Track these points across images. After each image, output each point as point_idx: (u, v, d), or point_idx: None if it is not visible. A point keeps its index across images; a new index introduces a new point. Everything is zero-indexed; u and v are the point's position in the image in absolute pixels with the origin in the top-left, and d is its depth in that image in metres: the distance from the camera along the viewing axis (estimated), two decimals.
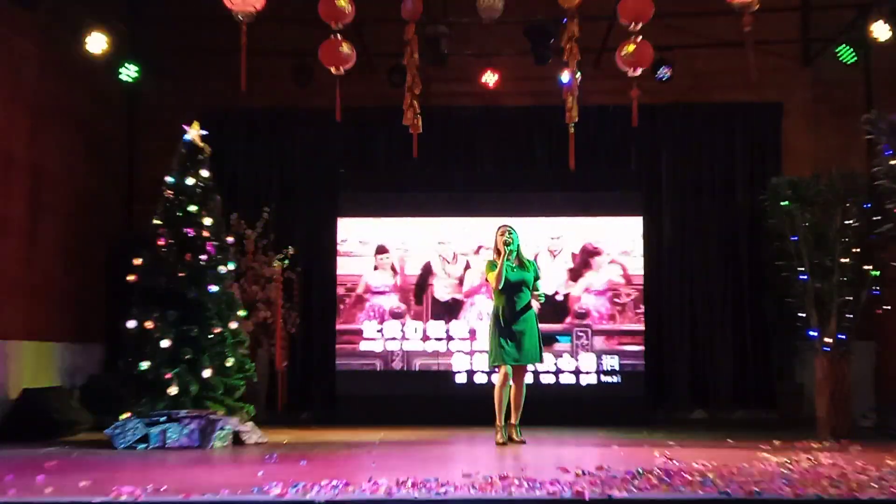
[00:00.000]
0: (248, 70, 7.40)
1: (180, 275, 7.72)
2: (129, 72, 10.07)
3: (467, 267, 10.15)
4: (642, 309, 10.09)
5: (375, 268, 10.16)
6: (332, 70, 7.72)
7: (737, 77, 9.97)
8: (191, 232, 7.86)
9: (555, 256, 10.13)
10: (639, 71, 7.79)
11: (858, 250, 8.56)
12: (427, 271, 10.16)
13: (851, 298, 8.49)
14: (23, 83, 8.84)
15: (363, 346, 10.09)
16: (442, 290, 10.15)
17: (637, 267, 10.11)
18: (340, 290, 10.17)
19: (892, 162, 7.90)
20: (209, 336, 7.72)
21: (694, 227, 10.78)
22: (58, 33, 9.32)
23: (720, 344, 10.58)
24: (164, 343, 7.48)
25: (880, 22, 8.96)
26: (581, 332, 10.05)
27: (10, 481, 4.97)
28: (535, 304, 7.53)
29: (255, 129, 11.02)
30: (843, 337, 8.49)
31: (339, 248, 10.23)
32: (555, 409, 9.33)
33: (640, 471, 5.15)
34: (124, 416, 7.33)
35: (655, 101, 10.28)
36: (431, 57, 9.45)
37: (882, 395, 9.73)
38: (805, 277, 8.54)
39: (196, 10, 9.89)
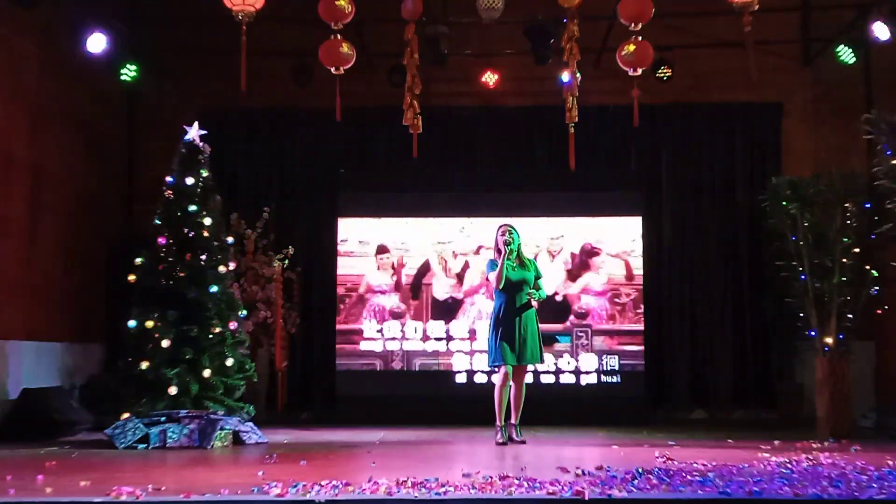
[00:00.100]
0: (248, 70, 7.40)
1: (180, 275, 7.72)
2: (129, 72, 10.06)
3: (466, 266, 10.15)
4: (642, 309, 10.09)
5: (378, 268, 10.16)
6: (332, 70, 7.72)
7: (737, 77, 9.97)
8: (191, 232, 7.86)
9: (554, 257, 10.13)
10: (639, 71, 7.80)
11: (858, 250, 8.56)
12: (425, 270, 10.16)
13: (851, 298, 8.49)
14: (23, 83, 8.83)
15: (363, 346, 10.09)
16: (440, 289, 10.15)
17: (637, 267, 10.12)
18: (340, 290, 10.17)
19: (893, 162, 7.90)
20: (209, 336, 7.72)
21: (694, 227, 10.78)
22: (58, 33, 9.32)
23: (720, 344, 10.58)
24: (164, 343, 7.49)
25: (880, 22, 8.95)
26: (581, 332, 10.05)
27: (10, 481, 4.97)
28: (533, 302, 7.52)
29: (255, 129, 11.02)
30: (843, 337, 8.49)
31: (339, 248, 10.23)
32: (555, 409, 9.33)
33: (640, 471, 5.15)
34: (124, 416, 7.33)
35: (655, 101, 10.27)
36: (431, 57, 9.46)
37: (882, 395, 9.74)
38: (805, 277, 8.54)
39: (196, 10, 9.90)
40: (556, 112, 8.50)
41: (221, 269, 7.93)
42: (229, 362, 7.82)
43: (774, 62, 10.48)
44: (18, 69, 8.75)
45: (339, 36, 7.58)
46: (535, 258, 8.95)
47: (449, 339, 10.06)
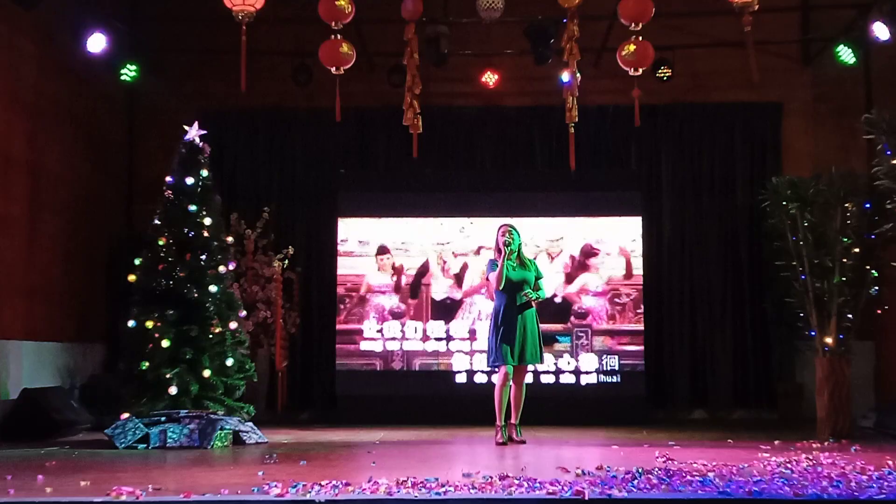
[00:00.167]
0: (248, 70, 7.40)
1: (180, 275, 7.72)
2: (129, 72, 10.06)
3: (465, 267, 10.15)
4: (642, 309, 10.09)
5: (378, 269, 10.17)
6: (332, 70, 7.72)
7: (737, 77, 9.98)
8: (191, 232, 7.86)
9: (553, 259, 10.13)
10: (640, 71, 7.80)
11: (858, 250, 8.56)
12: (424, 270, 10.16)
13: (851, 298, 8.49)
14: (23, 83, 8.83)
15: (363, 346, 10.09)
16: (438, 289, 10.15)
17: (637, 266, 10.12)
18: (340, 290, 10.17)
19: (893, 162, 7.89)
20: (209, 336, 7.72)
21: (694, 227, 10.78)
22: (58, 33, 9.32)
23: (720, 344, 10.58)
24: (164, 343, 7.48)
25: (880, 22, 8.95)
26: (581, 332, 10.05)
27: (10, 481, 4.97)
28: (533, 302, 7.51)
29: (255, 129, 11.02)
30: (843, 337, 8.49)
31: (339, 248, 10.23)
32: (555, 409, 9.33)
33: (640, 471, 5.15)
34: (124, 416, 7.33)
35: (655, 101, 10.27)
36: (431, 57, 9.46)
37: (882, 395, 9.74)
38: (805, 277, 8.54)
39: (196, 10, 9.91)
40: (556, 112, 8.51)
41: (221, 269, 7.93)
42: (229, 362, 7.82)
43: (774, 62, 10.48)
44: (18, 69, 8.76)
45: (339, 36, 7.58)
46: (535, 258, 8.95)
47: (449, 339, 10.06)
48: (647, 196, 10.54)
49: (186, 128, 8.18)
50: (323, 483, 4.67)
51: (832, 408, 8.31)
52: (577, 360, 9.98)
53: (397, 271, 10.17)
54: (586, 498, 4.29)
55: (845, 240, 8.53)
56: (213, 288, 7.78)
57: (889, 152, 7.92)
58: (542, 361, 7.73)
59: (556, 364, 9.93)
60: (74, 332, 9.63)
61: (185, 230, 7.87)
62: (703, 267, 10.70)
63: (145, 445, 7.15)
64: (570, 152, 8.15)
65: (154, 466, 6.05)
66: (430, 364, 10.06)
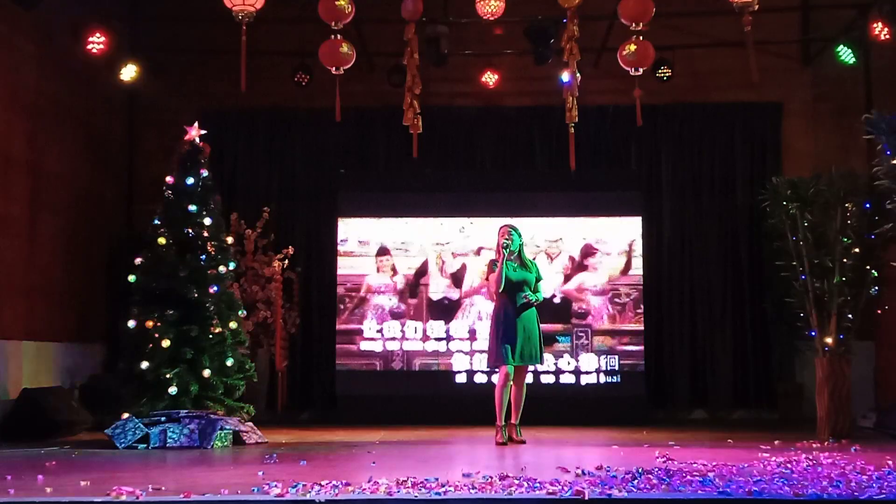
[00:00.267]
0: (249, 70, 7.40)
1: (180, 275, 7.72)
2: (129, 72, 10.06)
3: (464, 267, 10.14)
4: (642, 309, 10.09)
5: (378, 270, 10.17)
6: (332, 70, 7.72)
7: (737, 77, 9.97)
8: (191, 232, 7.86)
9: (553, 259, 10.12)
10: (640, 70, 7.79)
11: (858, 250, 8.55)
12: (423, 270, 10.15)
13: (851, 298, 8.49)
14: (23, 83, 8.83)
15: (363, 346, 10.10)
16: (436, 289, 10.15)
17: (637, 267, 10.12)
18: (340, 290, 10.17)
19: (893, 162, 7.89)
20: (209, 336, 7.72)
21: (694, 226, 10.78)
22: (58, 33, 9.32)
23: (720, 344, 10.58)
24: (164, 343, 7.48)
25: (880, 22, 8.95)
26: (581, 332, 10.05)
27: (10, 481, 4.97)
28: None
29: (255, 129, 11.02)
30: (843, 337, 8.49)
31: (339, 248, 10.23)
32: (555, 409, 9.33)
33: (640, 471, 5.15)
34: (124, 416, 7.32)
35: (655, 101, 10.27)
36: (431, 57, 9.46)
37: (882, 395, 9.73)
38: (805, 277, 8.54)
39: (196, 10, 9.90)
40: (556, 112, 8.50)
41: (221, 269, 7.93)
42: (229, 362, 7.82)
43: (774, 62, 10.48)
44: (18, 69, 8.75)
45: (339, 36, 7.58)
46: (534, 258, 8.95)
47: (449, 339, 10.06)
48: (647, 196, 10.54)
49: (186, 128, 8.18)
50: (323, 483, 4.67)
51: (832, 408, 8.30)
52: (577, 360, 9.99)
53: (397, 272, 10.16)
54: (586, 498, 4.28)
55: (845, 240, 8.52)
56: (213, 288, 7.78)
57: (889, 152, 7.91)
58: (542, 362, 7.73)
59: (556, 364, 9.93)
60: (74, 332, 9.63)
61: (185, 230, 7.87)
62: (703, 267, 10.70)
63: (145, 445, 7.14)
64: (570, 152, 8.15)
65: (154, 466, 6.05)
66: (430, 364, 10.06)
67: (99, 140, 10.36)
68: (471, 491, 4.54)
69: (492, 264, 7.62)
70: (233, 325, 7.94)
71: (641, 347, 10.03)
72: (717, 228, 10.73)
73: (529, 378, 7.98)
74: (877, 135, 8.06)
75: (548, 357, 9.48)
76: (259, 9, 7.22)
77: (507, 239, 7.45)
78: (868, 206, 8.55)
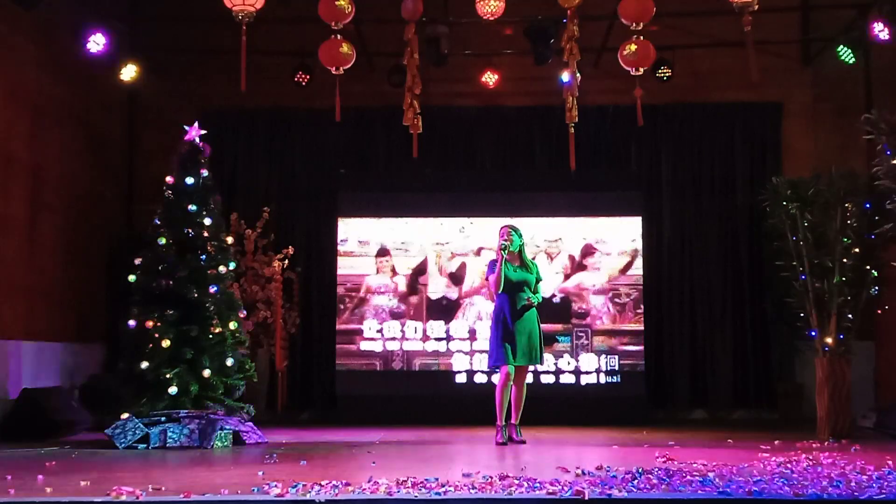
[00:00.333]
0: (248, 70, 7.40)
1: (180, 275, 7.71)
2: (129, 72, 10.06)
3: (462, 267, 10.14)
4: (642, 309, 10.09)
5: (377, 271, 10.17)
6: (332, 70, 7.72)
7: (737, 77, 9.97)
8: (191, 232, 7.86)
9: (553, 259, 10.12)
10: (641, 70, 7.80)
11: (858, 250, 8.56)
12: (421, 269, 10.15)
13: (851, 298, 8.49)
14: (23, 83, 8.84)
15: (363, 346, 10.10)
16: (434, 289, 10.15)
17: (637, 267, 10.12)
18: (340, 290, 10.18)
19: (893, 162, 7.89)
20: (209, 336, 7.71)
21: (694, 226, 10.78)
22: (58, 33, 9.32)
23: (720, 344, 10.59)
24: (164, 343, 7.48)
25: (880, 22, 8.95)
26: (581, 332, 10.05)
27: (10, 481, 4.97)
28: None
29: (255, 129, 11.02)
30: (843, 337, 8.49)
31: (339, 248, 10.23)
32: (555, 409, 9.33)
33: (640, 471, 5.15)
34: (124, 416, 7.32)
35: (655, 101, 10.27)
36: (431, 57, 9.46)
37: (882, 395, 9.73)
38: (805, 277, 8.54)
39: (196, 10, 9.90)
40: (556, 112, 8.48)
41: (221, 269, 7.92)
42: (229, 362, 7.81)
43: (774, 62, 10.48)
44: (18, 69, 8.75)
45: (339, 36, 7.58)
46: (534, 258, 8.95)
47: (449, 339, 10.06)
48: (647, 196, 10.54)
49: (186, 128, 8.18)
50: (323, 483, 4.67)
51: (832, 408, 8.31)
52: (577, 360, 9.99)
53: (397, 273, 10.16)
54: (586, 498, 4.28)
55: (845, 240, 8.53)
56: (213, 288, 7.78)
57: (889, 152, 7.92)
58: (542, 362, 7.73)
59: (556, 364, 9.93)
60: (74, 332, 9.63)
61: (185, 230, 7.86)
62: (703, 267, 10.70)
63: (145, 445, 7.14)
64: (571, 152, 8.14)
65: (154, 466, 6.05)
66: (430, 364, 10.06)
67: (99, 140, 10.36)
68: (471, 491, 4.54)
69: (491, 265, 7.61)
70: (233, 325, 7.94)
71: (641, 347, 10.03)
72: (717, 228, 10.74)
73: (529, 378, 7.97)
74: (877, 135, 8.07)
75: (548, 357, 9.49)
76: (259, 9, 7.21)
77: (505, 240, 7.46)
78: (868, 206, 8.55)
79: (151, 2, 10.69)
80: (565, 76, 7.95)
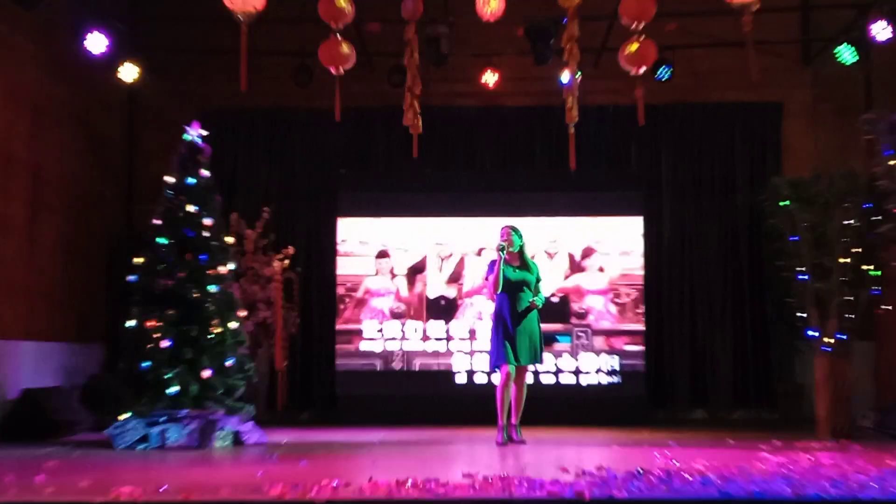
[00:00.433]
0: (248, 70, 7.39)
1: (180, 275, 7.72)
2: (129, 72, 10.06)
3: (462, 267, 10.13)
4: (642, 309, 10.09)
5: (377, 272, 10.16)
6: (332, 70, 7.71)
7: (737, 77, 9.96)
8: (191, 232, 7.86)
9: (552, 259, 10.12)
10: (642, 70, 7.80)
11: (858, 250, 8.56)
12: (420, 268, 10.15)
13: (851, 298, 8.49)
14: (23, 83, 8.84)
15: (363, 346, 10.09)
16: (433, 288, 10.14)
17: (637, 267, 10.12)
18: (340, 290, 10.17)
19: (892, 162, 7.89)
20: (209, 336, 7.71)
21: (694, 226, 10.78)
22: (58, 33, 9.32)
23: (720, 344, 10.58)
24: (164, 343, 7.48)
25: (880, 22, 8.95)
26: (581, 332, 10.04)
27: (10, 481, 4.97)
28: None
29: (255, 129, 11.02)
30: (843, 337, 8.49)
31: (339, 248, 10.23)
32: (555, 409, 9.33)
33: (640, 471, 5.15)
34: (124, 416, 7.32)
35: (655, 101, 10.26)
36: (431, 57, 9.45)
37: (882, 395, 9.73)
38: (805, 277, 8.54)
39: (196, 10, 9.89)
40: (556, 112, 8.47)
41: (221, 269, 7.93)
42: (229, 362, 7.82)
43: (774, 62, 10.47)
44: (18, 69, 8.76)
45: (339, 36, 7.58)
46: (533, 258, 8.95)
47: (449, 339, 10.06)
48: (647, 196, 10.54)
49: (186, 128, 8.18)
50: (323, 483, 4.67)
51: (832, 408, 8.31)
52: (577, 360, 9.98)
53: (396, 275, 10.16)
54: (587, 498, 4.28)
55: (845, 240, 8.53)
56: (213, 288, 7.78)
57: (889, 152, 7.92)
58: (542, 362, 7.73)
59: (556, 364, 9.93)
60: (74, 332, 9.63)
61: (185, 230, 7.87)
62: (703, 267, 10.70)
63: (145, 445, 7.15)
64: (571, 152, 8.14)
65: (154, 466, 6.06)
66: (430, 364, 10.06)
67: (99, 140, 10.36)
68: (471, 491, 4.54)
69: (490, 265, 7.61)
70: (233, 325, 7.94)
71: (642, 347, 10.02)
72: (717, 228, 10.73)
73: (530, 378, 7.98)
74: (877, 135, 8.08)
75: (548, 357, 9.48)
76: (260, 10, 7.21)
77: (504, 240, 7.46)
78: (868, 206, 8.55)
79: (151, 2, 10.68)
80: (565, 76, 7.94)
